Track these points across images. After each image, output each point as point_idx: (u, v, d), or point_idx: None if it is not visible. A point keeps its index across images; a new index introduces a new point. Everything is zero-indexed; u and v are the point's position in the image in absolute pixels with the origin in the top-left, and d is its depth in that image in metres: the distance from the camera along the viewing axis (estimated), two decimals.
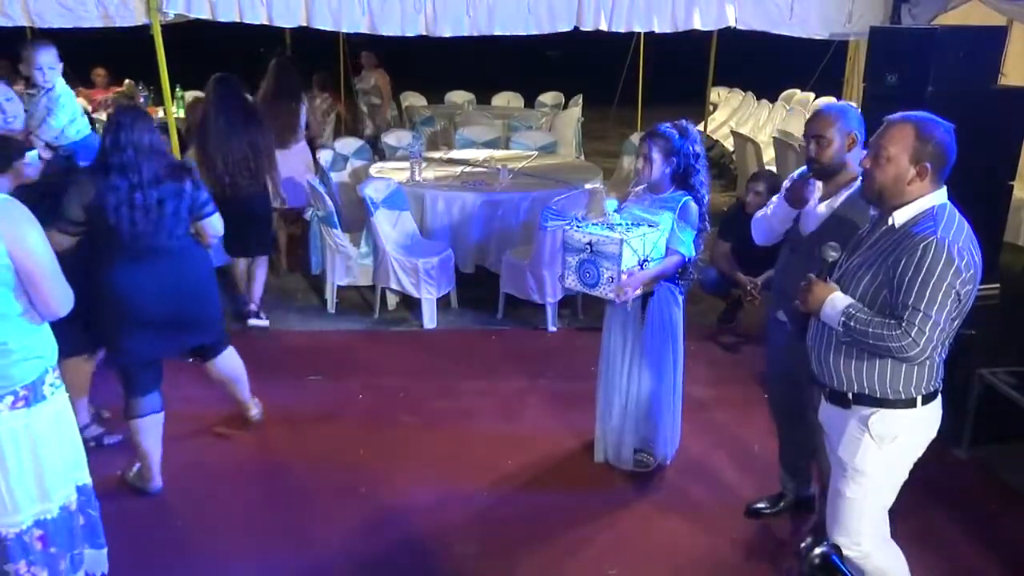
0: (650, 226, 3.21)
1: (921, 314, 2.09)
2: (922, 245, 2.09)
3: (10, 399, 2.25)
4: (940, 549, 3.16)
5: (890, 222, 2.22)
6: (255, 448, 3.84)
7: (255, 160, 4.88)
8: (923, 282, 2.09)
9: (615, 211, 3.37)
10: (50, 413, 2.36)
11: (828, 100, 9.72)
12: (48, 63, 4.27)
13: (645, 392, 3.49)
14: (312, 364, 4.67)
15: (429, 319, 5.22)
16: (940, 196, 2.21)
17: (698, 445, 3.81)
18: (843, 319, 2.21)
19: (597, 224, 3.26)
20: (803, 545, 3.07)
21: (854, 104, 2.77)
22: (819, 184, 2.81)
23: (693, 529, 3.28)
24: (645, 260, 3.17)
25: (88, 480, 2.59)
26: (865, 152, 2.29)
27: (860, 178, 2.39)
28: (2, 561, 2.38)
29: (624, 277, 3.12)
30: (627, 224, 3.23)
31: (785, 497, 3.34)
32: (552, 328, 5.19)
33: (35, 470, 2.34)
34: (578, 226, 3.27)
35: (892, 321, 2.14)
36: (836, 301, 2.25)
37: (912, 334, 2.10)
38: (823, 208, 2.78)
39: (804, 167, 2.85)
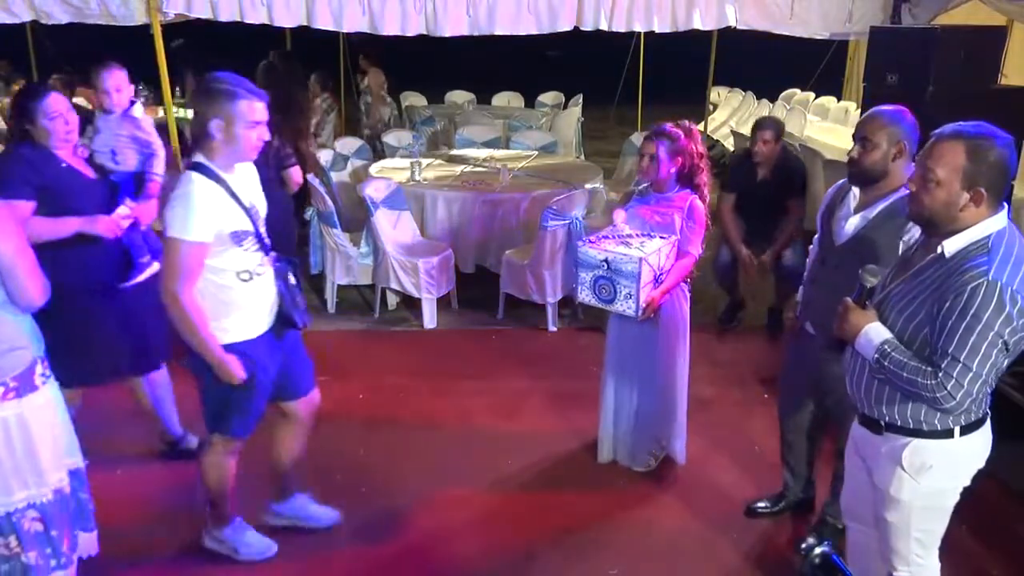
0: (662, 237, 3.21)
1: (960, 365, 1.91)
2: (970, 287, 1.87)
3: (0, 390, 2.30)
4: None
5: (939, 250, 1.99)
6: (254, 448, 3.82)
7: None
8: (967, 329, 1.88)
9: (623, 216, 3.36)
10: (42, 402, 2.42)
11: (828, 99, 9.75)
12: (115, 85, 3.82)
13: (660, 390, 3.49)
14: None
15: (429, 319, 5.22)
16: (999, 221, 1.96)
17: (699, 445, 3.80)
18: (877, 356, 2.05)
19: (609, 237, 3.22)
20: (804, 545, 3.07)
21: (906, 110, 2.61)
22: (855, 191, 2.69)
23: (694, 529, 3.28)
24: (661, 273, 3.18)
25: (80, 465, 2.67)
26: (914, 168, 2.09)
27: (908, 197, 2.12)
28: (62, 509, 2.49)
29: (643, 295, 3.11)
30: (638, 235, 3.22)
31: (786, 497, 3.33)
32: (552, 328, 5.19)
33: (28, 457, 2.39)
34: (591, 242, 3.20)
35: (929, 369, 1.95)
36: (872, 333, 2.07)
37: (948, 387, 1.92)
38: (857, 219, 2.64)
39: (844, 179, 2.75)
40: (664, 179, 3.28)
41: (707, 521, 3.33)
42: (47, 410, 2.45)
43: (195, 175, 2.52)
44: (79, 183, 3.18)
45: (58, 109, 3.08)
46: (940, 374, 1.93)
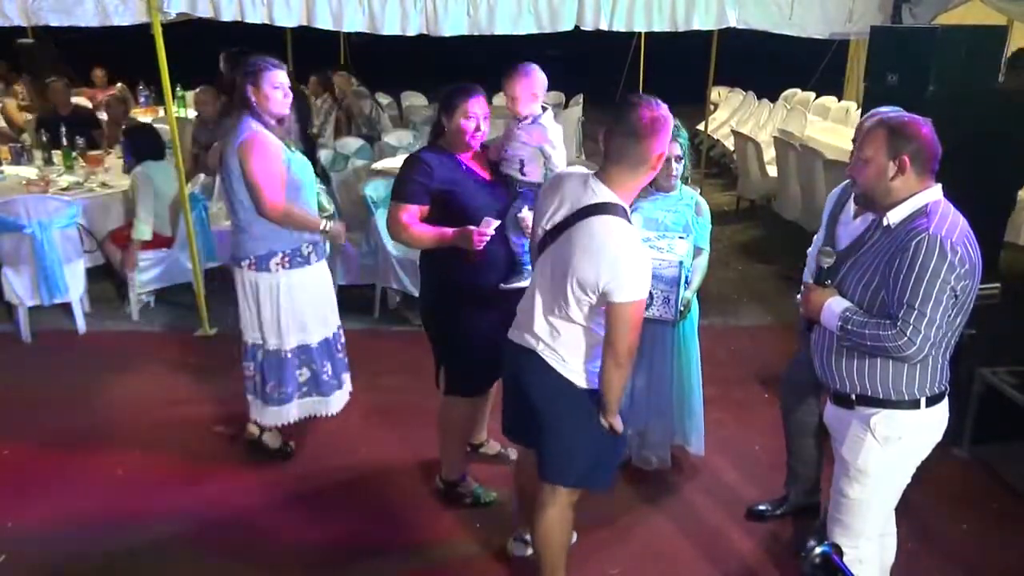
0: (680, 237, 3.21)
1: (916, 312, 2.07)
2: (914, 242, 2.07)
3: (247, 263, 3.38)
4: (941, 547, 3.16)
5: (885, 223, 2.21)
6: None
7: None
8: (917, 279, 2.06)
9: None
10: (271, 281, 3.40)
11: (829, 99, 9.75)
12: (534, 90, 3.42)
13: (678, 385, 3.49)
14: None
15: None
16: (934, 193, 2.18)
17: None
18: (840, 323, 2.21)
19: None
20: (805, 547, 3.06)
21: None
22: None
23: (694, 529, 3.28)
24: (688, 271, 3.19)
25: (328, 334, 3.65)
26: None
27: (850, 182, 2.38)
28: (279, 368, 3.52)
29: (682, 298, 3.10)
30: (655, 236, 3.20)
31: (789, 501, 3.33)
32: None
33: (273, 312, 3.43)
34: None
35: (887, 321, 2.12)
36: (834, 305, 2.25)
37: (908, 333, 2.08)
38: (858, 222, 2.65)
39: (847, 181, 2.79)
40: (675, 177, 3.28)
41: (708, 521, 3.33)
42: (272, 287, 3.40)
43: (626, 225, 2.28)
44: (474, 184, 3.03)
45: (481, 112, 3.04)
46: (899, 323, 2.09)
